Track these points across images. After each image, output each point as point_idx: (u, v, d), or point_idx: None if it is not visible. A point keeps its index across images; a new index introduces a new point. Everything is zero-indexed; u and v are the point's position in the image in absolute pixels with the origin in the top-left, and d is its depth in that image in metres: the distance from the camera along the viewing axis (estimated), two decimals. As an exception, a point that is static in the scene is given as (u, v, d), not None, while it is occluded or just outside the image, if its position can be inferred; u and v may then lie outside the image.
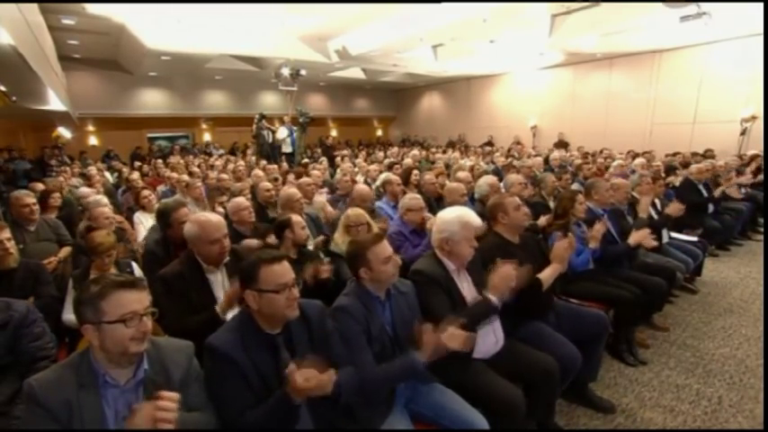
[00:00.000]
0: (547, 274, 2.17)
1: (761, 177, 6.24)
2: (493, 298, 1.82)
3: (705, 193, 5.06)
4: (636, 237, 2.89)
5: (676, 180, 5.51)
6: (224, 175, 5.82)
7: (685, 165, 6.25)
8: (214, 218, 2.09)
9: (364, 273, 1.73)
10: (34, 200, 3.41)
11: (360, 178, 6.10)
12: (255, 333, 1.44)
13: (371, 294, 1.76)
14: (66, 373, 1.19)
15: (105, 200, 3.77)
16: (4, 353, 1.68)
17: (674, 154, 8.40)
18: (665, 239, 3.87)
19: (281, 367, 1.36)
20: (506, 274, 1.82)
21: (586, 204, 3.05)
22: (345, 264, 2.63)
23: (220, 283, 2.03)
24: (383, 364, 1.67)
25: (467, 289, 2.02)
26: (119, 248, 2.65)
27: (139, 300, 1.22)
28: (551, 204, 4.17)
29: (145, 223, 4.01)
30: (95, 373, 1.20)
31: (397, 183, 4.11)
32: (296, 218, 2.56)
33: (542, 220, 3.32)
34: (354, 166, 7.44)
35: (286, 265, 1.48)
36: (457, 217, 2.00)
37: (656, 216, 3.98)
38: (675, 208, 3.58)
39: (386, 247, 1.74)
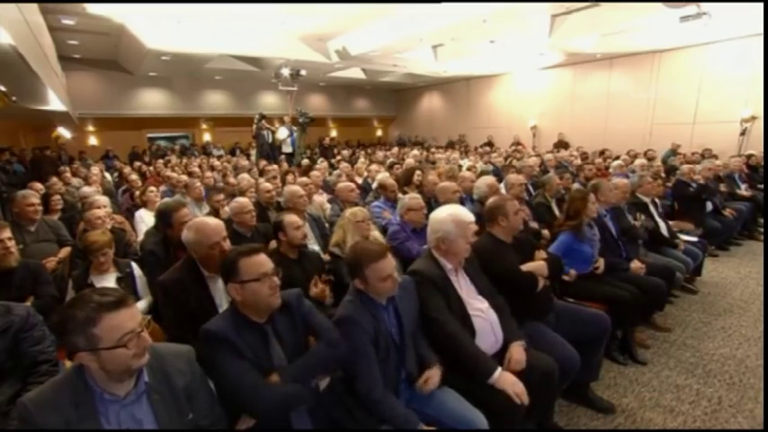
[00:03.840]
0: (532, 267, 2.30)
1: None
2: None
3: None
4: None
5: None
6: (233, 180, 5.71)
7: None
8: (212, 221, 2.05)
9: (359, 283, 1.72)
10: (38, 200, 3.43)
11: (358, 179, 6.10)
12: (246, 322, 1.51)
13: (375, 301, 1.74)
14: (62, 391, 1.14)
15: (104, 200, 3.77)
16: (6, 357, 1.66)
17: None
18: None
19: (272, 354, 1.50)
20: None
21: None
22: (345, 265, 2.64)
23: (222, 290, 1.95)
24: (394, 401, 1.64)
25: (464, 288, 2.02)
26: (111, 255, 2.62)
27: (132, 316, 1.15)
28: (553, 205, 4.17)
29: (147, 221, 4.02)
30: (92, 391, 1.16)
31: (391, 188, 4.09)
32: (288, 219, 2.50)
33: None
34: (352, 167, 7.38)
35: (263, 256, 1.56)
36: (449, 215, 2.00)
37: (655, 215, 3.98)
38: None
39: (386, 266, 1.67)
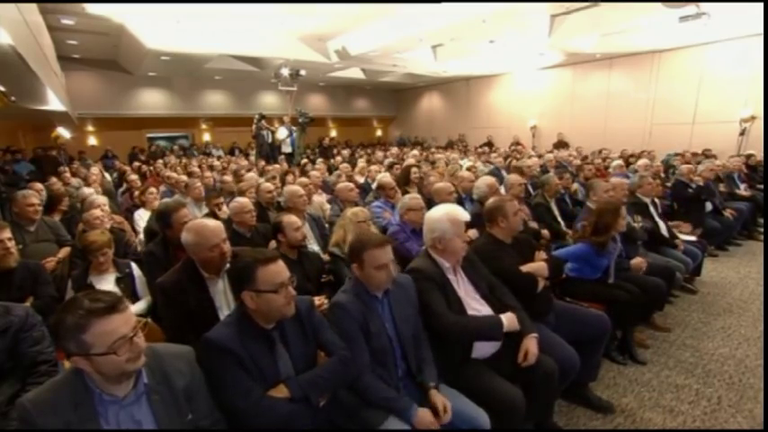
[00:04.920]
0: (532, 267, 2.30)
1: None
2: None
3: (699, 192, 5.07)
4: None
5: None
6: (227, 178, 5.74)
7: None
8: (211, 223, 2.02)
9: (356, 268, 1.75)
10: (39, 200, 3.42)
11: (359, 179, 6.09)
12: (252, 328, 1.47)
13: (369, 292, 1.76)
14: (61, 392, 1.13)
15: (102, 200, 3.77)
16: (5, 358, 1.66)
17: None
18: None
19: (278, 360, 1.45)
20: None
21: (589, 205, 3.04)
22: (345, 265, 2.64)
23: (222, 291, 1.95)
24: (382, 386, 1.65)
25: (462, 287, 2.03)
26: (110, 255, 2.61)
27: (125, 322, 1.13)
28: (552, 205, 4.17)
29: (145, 221, 4.01)
30: (91, 392, 1.15)
31: (389, 186, 4.09)
32: (287, 219, 2.50)
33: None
34: (353, 167, 7.36)
35: (281, 263, 1.50)
36: (445, 214, 2.01)
37: (655, 216, 3.98)
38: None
39: (383, 255, 1.70)
